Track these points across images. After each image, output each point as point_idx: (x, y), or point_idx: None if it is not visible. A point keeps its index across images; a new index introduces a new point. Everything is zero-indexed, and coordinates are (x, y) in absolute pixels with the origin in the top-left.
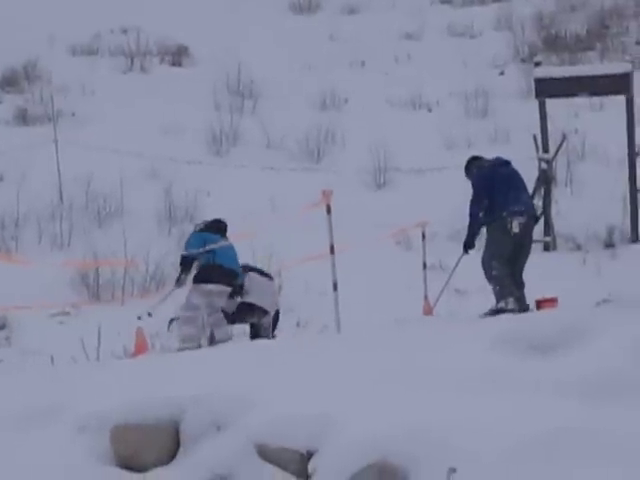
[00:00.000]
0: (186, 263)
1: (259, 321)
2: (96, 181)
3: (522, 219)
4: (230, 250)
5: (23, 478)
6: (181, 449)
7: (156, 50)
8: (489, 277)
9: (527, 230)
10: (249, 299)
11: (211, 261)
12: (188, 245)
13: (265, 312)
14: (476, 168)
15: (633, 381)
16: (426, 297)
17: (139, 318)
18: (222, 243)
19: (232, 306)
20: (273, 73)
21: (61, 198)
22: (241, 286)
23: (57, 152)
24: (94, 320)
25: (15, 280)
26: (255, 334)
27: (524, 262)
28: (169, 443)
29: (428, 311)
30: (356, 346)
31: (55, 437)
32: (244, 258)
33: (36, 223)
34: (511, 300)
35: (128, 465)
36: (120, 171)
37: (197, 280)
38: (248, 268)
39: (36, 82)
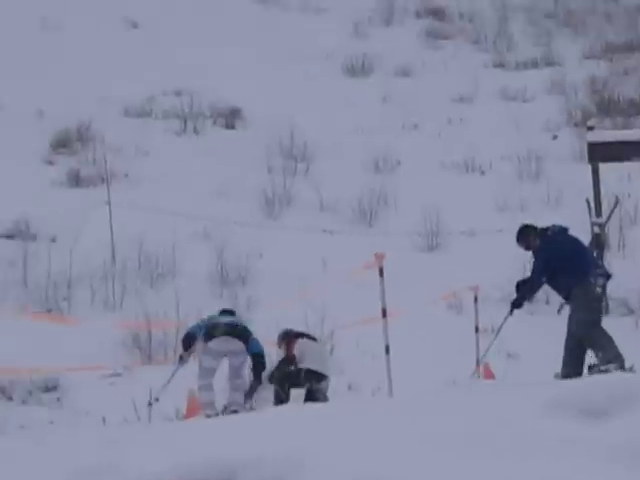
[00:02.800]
0: (187, 341)
1: (317, 386)
2: (149, 242)
3: (603, 280)
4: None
5: None
6: None
7: (209, 112)
8: (591, 344)
9: (604, 291)
10: (308, 366)
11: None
12: (190, 327)
13: (324, 377)
14: (539, 237)
15: None
16: (478, 361)
17: (150, 404)
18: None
19: (284, 372)
20: (326, 135)
21: (114, 259)
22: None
23: (110, 213)
24: (146, 381)
25: (67, 341)
26: (310, 399)
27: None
28: None
29: (489, 375)
30: (408, 410)
31: None
32: (297, 320)
33: (88, 284)
34: (618, 362)
35: None
36: (173, 232)
37: (205, 339)
38: (294, 334)
39: (89, 143)
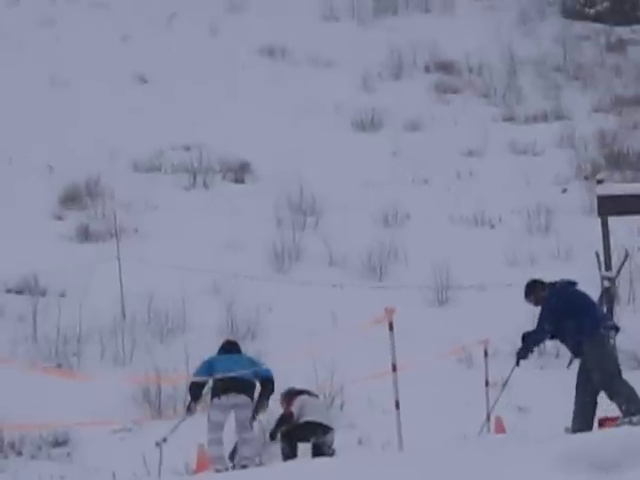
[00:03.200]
0: (193, 390)
1: (323, 439)
2: (158, 297)
3: (613, 334)
4: (236, 363)
5: None
6: None
7: (218, 167)
8: (614, 396)
9: (614, 344)
10: (310, 418)
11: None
12: (194, 373)
13: (329, 429)
14: (549, 289)
15: None
16: (489, 415)
17: (157, 444)
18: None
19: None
20: (335, 190)
21: (123, 314)
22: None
23: (119, 268)
24: (156, 436)
25: (77, 396)
26: (317, 454)
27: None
28: None
29: (500, 429)
30: (418, 464)
31: None
32: (306, 374)
33: (98, 339)
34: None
35: None
36: (182, 287)
37: (212, 396)
38: (296, 392)
39: (98, 198)
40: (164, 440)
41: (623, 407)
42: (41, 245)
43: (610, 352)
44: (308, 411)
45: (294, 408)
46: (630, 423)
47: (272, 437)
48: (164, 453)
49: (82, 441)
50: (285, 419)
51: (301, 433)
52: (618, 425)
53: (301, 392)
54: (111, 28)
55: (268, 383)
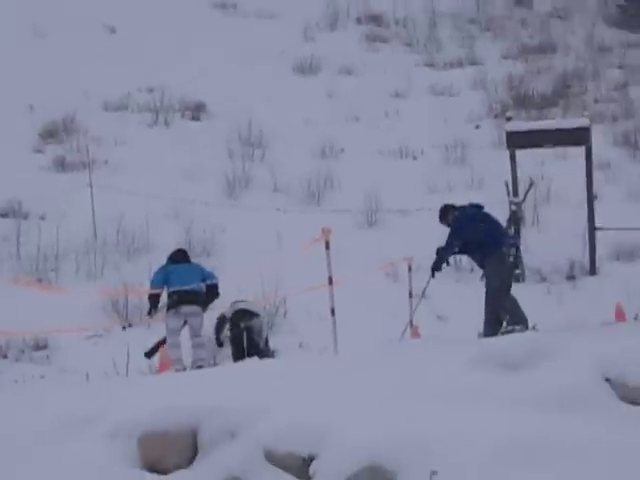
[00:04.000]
0: (152, 299)
1: (250, 323)
2: (126, 221)
3: (514, 250)
4: (185, 274)
5: (62, 476)
6: (199, 454)
7: (178, 106)
8: (500, 307)
9: (516, 260)
10: (239, 307)
11: (173, 288)
12: (151, 282)
13: (255, 315)
14: (458, 211)
15: (591, 395)
16: (411, 322)
17: (146, 355)
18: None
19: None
20: (279, 126)
21: (95, 235)
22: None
23: (92, 195)
24: (124, 341)
25: (54, 307)
26: (249, 338)
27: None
28: (189, 449)
29: (415, 334)
30: (351, 365)
31: (90, 443)
32: (254, 288)
33: (73, 257)
34: (521, 324)
35: (153, 468)
36: (146, 212)
37: (168, 307)
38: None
39: (73, 134)
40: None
41: (507, 318)
42: (23, 175)
43: (507, 268)
44: (238, 304)
45: (225, 310)
46: (513, 332)
47: (218, 343)
48: (130, 357)
49: (60, 346)
50: (221, 321)
51: (234, 318)
52: (502, 334)
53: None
54: None
55: (214, 289)
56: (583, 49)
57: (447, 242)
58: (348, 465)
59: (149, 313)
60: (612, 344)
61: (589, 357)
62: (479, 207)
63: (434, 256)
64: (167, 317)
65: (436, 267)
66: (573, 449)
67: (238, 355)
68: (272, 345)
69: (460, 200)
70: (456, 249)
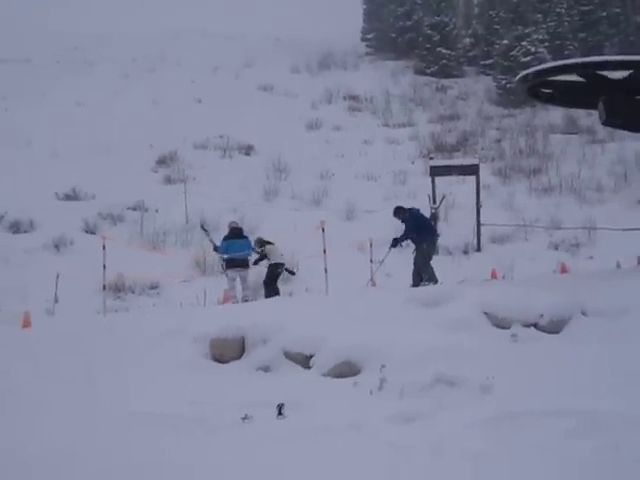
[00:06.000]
0: (216, 250)
1: (282, 269)
2: (205, 213)
3: (436, 237)
4: (240, 246)
5: (164, 363)
6: (245, 352)
7: (237, 147)
8: (424, 271)
9: (436, 244)
10: (275, 261)
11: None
12: (220, 248)
13: (283, 264)
14: (407, 212)
15: (475, 322)
16: (371, 277)
17: (202, 227)
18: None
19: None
20: (296, 160)
21: (187, 221)
22: (263, 254)
23: (185, 198)
24: (203, 285)
25: (162, 263)
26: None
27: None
28: (239, 349)
29: (373, 284)
30: (336, 301)
31: (181, 344)
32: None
33: (174, 234)
34: (432, 280)
35: (218, 360)
36: (217, 208)
37: (228, 266)
38: (264, 241)
39: (175, 162)
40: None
41: (425, 276)
42: (146, 185)
43: (430, 248)
44: (273, 256)
45: (266, 250)
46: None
47: (255, 263)
48: (206, 294)
49: (165, 287)
50: (261, 256)
51: (274, 269)
52: (423, 285)
53: (268, 242)
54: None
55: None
56: (475, 117)
57: (405, 232)
58: (333, 360)
59: (214, 249)
60: (489, 292)
61: (475, 299)
62: (418, 210)
63: (388, 239)
64: (228, 271)
65: (393, 245)
66: (461, 350)
67: (269, 293)
68: (289, 290)
69: (403, 204)
70: (409, 238)
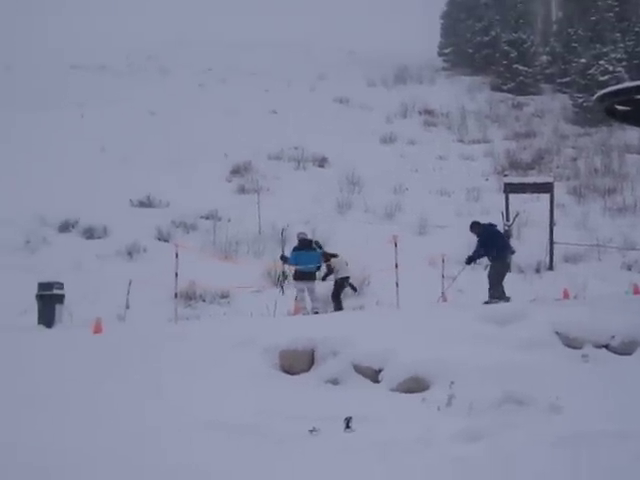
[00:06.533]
0: (284, 260)
1: (349, 282)
2: (278, 224)
3: (511, 255)
4: (308, 258)
5: (233, 373)
6: (314, 364)
7: (311, 159)
8: (495, 288)
9: (510, 261)
10: (342, 275)
11: (299, 267)
12: (290, 255)
13: (348, 277)
14: (483, 228)
15: (546, 341)
16: (443, 293)
17: (281, 255)
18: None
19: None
20: (370, 173)
21: (260, 232)
22: (330, 268)
23: (259, 208)
24: (273, 295)
25: (234, 272)
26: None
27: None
28: (309, 361)
29: (444, 299)
30: (406, 316)
31: (251, 354)
32: (354, 267)
33: (246, 244)
34: (500, 298)
35: (287, 371)
36: (289, 219)
37: (296, 278)
38: (330, 254)
39: (250, 172)
40: (296, 297)
41: (491, 294)
42: (220, 195)
43: (504, 264)
44: (340, 270)
45: (332, 263)
46: (488, 303)
47: (323, 279)
48: (277, 304)
49: (236, 296)
50: (328, 270)
51: (340, 282)
52: (485, 303)
53: (333, 255)
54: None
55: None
56: (551, 135)
57: (477, 247)
58: (402, 375)
59: (282, 259)
60: (561, 311)
61: (547, 319)
62: (493, 225)
63: (461, 256)
64: (296, 283)
65: (469, 262)
66: (531, 369)
67: (337, 306)
68: (360, 303)
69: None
70: (482, 254)
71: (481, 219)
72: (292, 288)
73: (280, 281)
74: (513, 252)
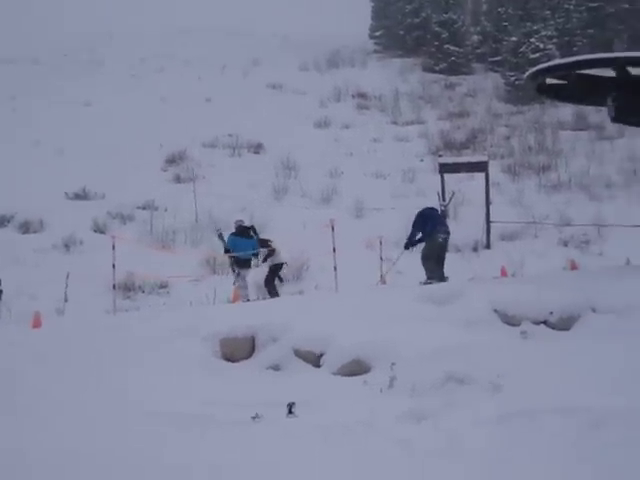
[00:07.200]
0: (226, 251)
1: (282, 267)
2: (214, 211)
3: (444, 235)
4: (246, 245)
5: (174, 362)
6: (255, 351)
7: (246, 145)
8: (426, 265)
9: (446, 242)
10: (277, 261)
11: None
12: (229, 240)
13: (282, 264)
14: (419, 212)
15: (485, 319)
16: (381, 275)
17: (233, 284)
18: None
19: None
20: (306, 157)
21: (196, 220)
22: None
23: (195, 197)
24: (212, 284)
25: (172, 262)
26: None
27: (443, 258)
28: (249, 348)
29: (383, 282)
30: (345, 299)
31: (192, 343)
32: (290, 252)
33: (183, 233)
34: (435, 278)
35: (228, 359)
36: (227, 207)
37: (235, 264)
38: (264, 240)
39: (185, 161)
40: (234, 283)
41: (427, 274)
42: (156, 184)
43: (434, 245)
44: (275, 256)
45: (274, 246)
46: (424, 284)
47: (264, 261)
48: (216, 293)
49: (175, 286)
50: (269, 253)
51: (274, 268)
52: (421, 284)
53: (267, 240)
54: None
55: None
56: (484, 114)
57: (413, 231)
58: (342, 359)
59: (233, 270)
60: (499, 289)
61: (485, 297)
62: (432, 208)
63: (398, 238)
64: (235, 270)
65: (407, 246)
66: (471, 348)
67: (271, 292)
68: (300, 288)
69: (413, 203)
70: (417, 236)
71: (417, 200)
72: (232, 276)
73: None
74: (447, 232)
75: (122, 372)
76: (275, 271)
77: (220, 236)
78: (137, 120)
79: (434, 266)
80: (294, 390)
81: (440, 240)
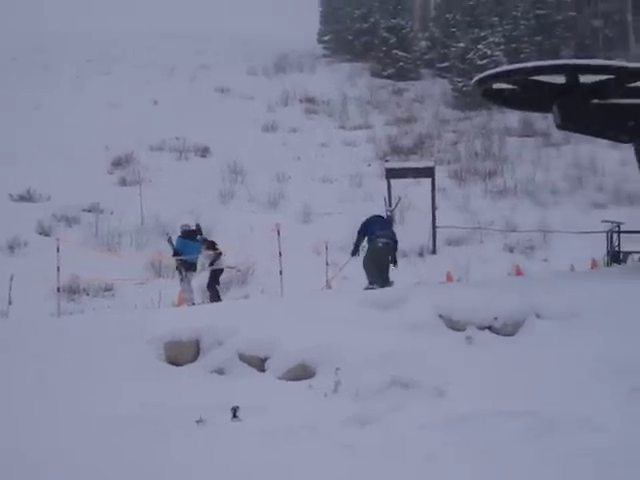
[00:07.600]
0: (175, 254)
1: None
2: (161, 215)
3: (384, 240)
4: (192, 248)
5: (118, 366)
6: (200, 354)
7: (193, 149)
8: (367, 271)
9: (387, 247)
10: (221, 266)
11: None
12: (176, 243)
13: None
14: (365, 218)
15: (430, 324)
16: (327, 280)
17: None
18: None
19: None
20: (253, 162)
21: (142, 223)
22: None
23: (141, 200)
24: (157, 287)
25: (117, 265)
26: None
27: (386, 263)
28: (194, 351)
29: (329, 287)
30: (291, 303)
31: (136, 346)
32: (236, 257)
33: (129, 235)
34: (376, 283)
35: (173, 362)
36: (173, 210)
37: (181, 267)
38: (210, 242)
39: (131, 164)
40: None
41: (369, 279)
42: (102, 187)
43: (374, 250)
44: (218, 263)
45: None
46: (367, 289)
47: (210, 264)
48: (161, 296)
49: (120, 289)
50: (216, 256)
51: (215, 273)
52: (366, 289)
53: (212, 242)
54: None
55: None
56: (431, 120)
57: (358, 237)
58: (287, 363)
59: (173, 254)
60: (444, 294)
61: (430, 302)
62: (379, 216)
63: (345, 242)
64: (181, 274)
65: (353, 253)
66: (416, 353)
67: (214, 295)
68: (245, 292)
69: (360, 208)
70: (362, 241)
71: (364, 205)
72: (177, 279)
73: (178, 268)
74: (390, 238)
75: (65, 376)
76: (216, 275)
77: (169, 240)
78: (84, 123)
79: (375, 271)
80: (239, 394)
81: (380, 245)
